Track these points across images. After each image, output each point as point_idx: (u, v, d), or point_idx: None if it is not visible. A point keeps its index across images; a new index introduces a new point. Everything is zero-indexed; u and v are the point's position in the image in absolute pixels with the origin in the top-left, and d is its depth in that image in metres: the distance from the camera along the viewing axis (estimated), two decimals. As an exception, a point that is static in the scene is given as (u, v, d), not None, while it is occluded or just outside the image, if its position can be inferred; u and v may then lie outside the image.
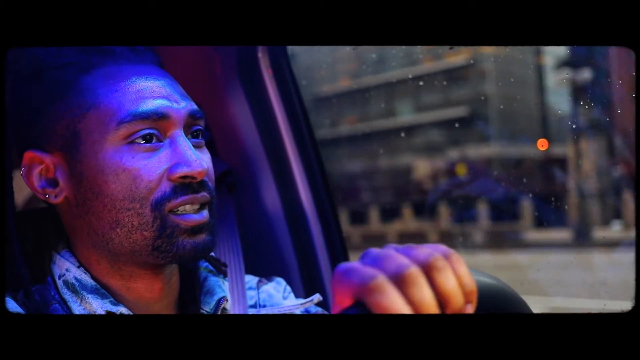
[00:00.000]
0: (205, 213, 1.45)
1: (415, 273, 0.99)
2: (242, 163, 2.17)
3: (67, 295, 1.45)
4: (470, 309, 1.03)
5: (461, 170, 39.36)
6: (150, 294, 1.50)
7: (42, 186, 1.47)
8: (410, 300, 0.97)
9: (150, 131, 1.41)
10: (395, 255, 1.02)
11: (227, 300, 1.56)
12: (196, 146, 1.48)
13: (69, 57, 1.45)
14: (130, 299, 1.48)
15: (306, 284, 1.92)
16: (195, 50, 1.96)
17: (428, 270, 1.00)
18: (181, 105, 1.45)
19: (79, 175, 1.43)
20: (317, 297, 1.65)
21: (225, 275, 1.61)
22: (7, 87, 1.42)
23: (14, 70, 1.44)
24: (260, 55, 2.16)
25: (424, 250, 1.03)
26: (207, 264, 1.62)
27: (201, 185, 1.44)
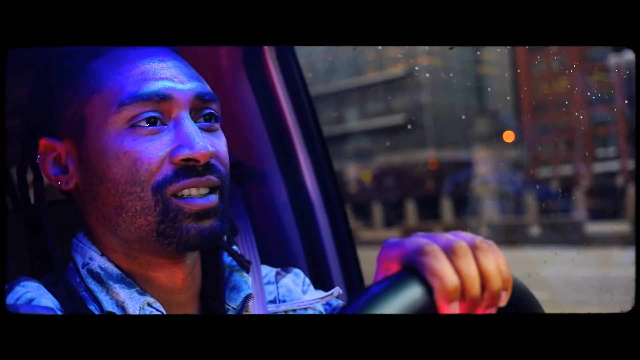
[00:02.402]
0: (212, 197, 1.26)
1: (465, 247, 0.95)
2: (249, 155, 1.98)
3: (92, 284, 1.28)
4: (505, 297, 0.98)
5: (365, 178, 39.61)
6: (172, 284, 1.31)
7: (55, 173, 1.31)
8: (458, 270, 0.94)
9: (153, 114, 1.24)
10: (444, 234, 0.99)
11: (252, 298, 1.39)
12: (207, 130, 1.30)
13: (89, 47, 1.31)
14: (153, 289, 1.31)
15: (313, 275, 1.75)
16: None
17: (473, 250, 0.96)
18: (187, 87, 1.27)
19: (85, 161, 1.27)
20: (337, 290, 1.49)
21: (248, 271, 1.43)
22: (26, 78, 1.34)
23: (32, 62, 1.33)
24: (266, 47, 1.96)
25: (469, 234, 1.00)
26: (230, 258, 1.44)
27: (207, 168, 1.25)
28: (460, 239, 0.97)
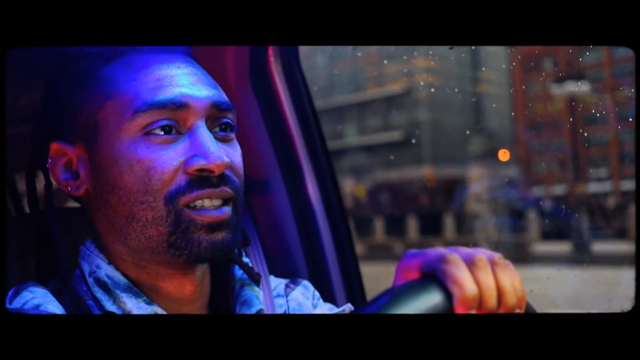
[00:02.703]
0: (226, 209, 1.21)
1: (484, 259, 0.96)
2: (254, 167, 1.95)
3: (98, 293, 1.24)
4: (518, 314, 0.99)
5: (360, 193, 39.57)
6: (181, 295, 1.27)
7: (66, 178, 1.27)
8: (477, 280, 0.94)
9: (168, 122, 1.19)
10: (464, 248, 0.99)
11: (263, 313, 1.34)
12: (223, 139, 1.25)
13: (94, 48, 1.28)
14: (161, 298, 1.27)
15: (315, 287, 1.67)
16: (207, 55, 1.75)
17: (492, 265, 0.97)
18: (203, 95, 1.22)
19: (97, 167, 1.23)
20: (348, 307, 1.43)
21: (258, 284, 1.38)
22: (38, 80, 1.31)
23: (43, 64, 1.31)
24: (272, 59, 1.95)
25: (488, 251, 1.00)
26: (241, 271, 1.40)
27: (221, 179, 1.20)
28: (480, 253, 0.97)
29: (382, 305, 0.89)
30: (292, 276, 1.64)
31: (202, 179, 1.18)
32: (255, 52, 1.89)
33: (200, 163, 1.17)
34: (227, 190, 1.20)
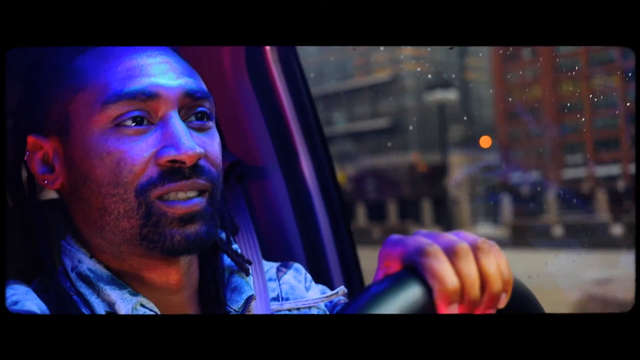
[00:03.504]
0: (197, 201, 1.15)
1: (466, 248, 0.91)
2: (251, 154, 1.93)
3: (82, 288, 1.20)
4: (504, 298, 0.93)
5: (342, 179, 39.81)
6: (167, 284, 1.23)
7: (42, 172, 1.22)
8: (458, 271, 0.90)
9: (139, 113, 1.14)
10: (445, 234, 0.95)
11: (255, 299, 1.30)
12: (199, 129, 1.20)
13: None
14: (147, 289, 1.23)
15: (313, 273, 1.67)
16: (203, 44, 1.72)
17: (474, 250, 0.92)
18: (175, 84, 1.17)
19: (70, 160, 1.18)
20: (342, 289, 1.43)
21: (247, 273, 1.34)
22: (18, 79, 1.26)
23: (23, 62, 1.26)
24: (268, 48, 1.93)
25: (471, 235, 0.96)
26: (229, 260, 1.35)
27: (194, 170, 1.15)
28: (462, 240, 0.93)
29: (364, 304, 0.87)
30: (290, 261, 1.61)
31: (174, 171, 1.13)
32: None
33: (171, 154, 1.12)
34: (199, 181, 1.15)
